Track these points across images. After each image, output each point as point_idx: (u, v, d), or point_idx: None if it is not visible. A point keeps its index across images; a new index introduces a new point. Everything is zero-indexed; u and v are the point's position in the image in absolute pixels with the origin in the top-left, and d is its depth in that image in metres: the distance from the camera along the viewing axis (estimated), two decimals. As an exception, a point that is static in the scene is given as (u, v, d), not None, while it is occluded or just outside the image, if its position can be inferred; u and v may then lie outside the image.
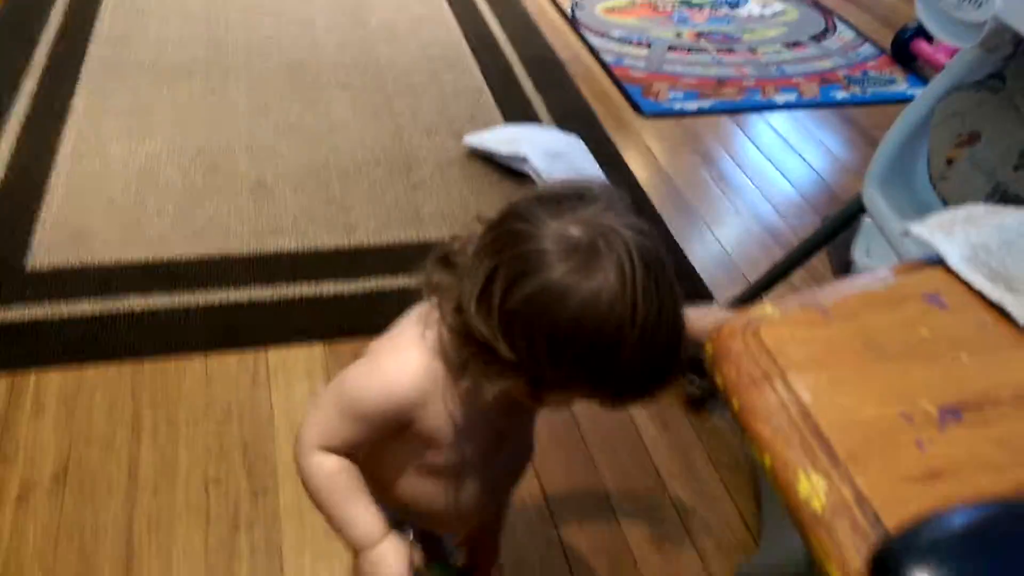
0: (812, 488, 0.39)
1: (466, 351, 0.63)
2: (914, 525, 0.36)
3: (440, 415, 0.69)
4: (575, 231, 0.57)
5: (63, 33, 2.38)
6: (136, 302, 1.55)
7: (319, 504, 0.71)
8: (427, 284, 0.68)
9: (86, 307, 1.53)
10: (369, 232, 1.79)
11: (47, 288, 1.56)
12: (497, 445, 0.77)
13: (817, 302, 0.49)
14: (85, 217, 1.74)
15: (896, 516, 0.37)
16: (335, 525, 0.71)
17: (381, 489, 0.76)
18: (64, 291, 1.55)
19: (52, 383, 1.42)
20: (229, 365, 1.48)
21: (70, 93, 2.12)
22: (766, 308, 0.48)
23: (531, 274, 0.57)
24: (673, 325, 0.56)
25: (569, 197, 0.61)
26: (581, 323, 0.55)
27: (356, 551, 0.71)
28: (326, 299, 1.61)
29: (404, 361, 0.68)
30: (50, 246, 1.66)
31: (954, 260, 0.51)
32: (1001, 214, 0.54)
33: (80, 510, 1.24)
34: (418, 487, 0.77)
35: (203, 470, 1.31)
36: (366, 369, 0.70)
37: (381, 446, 0.72)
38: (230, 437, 1.36)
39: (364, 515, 0.70)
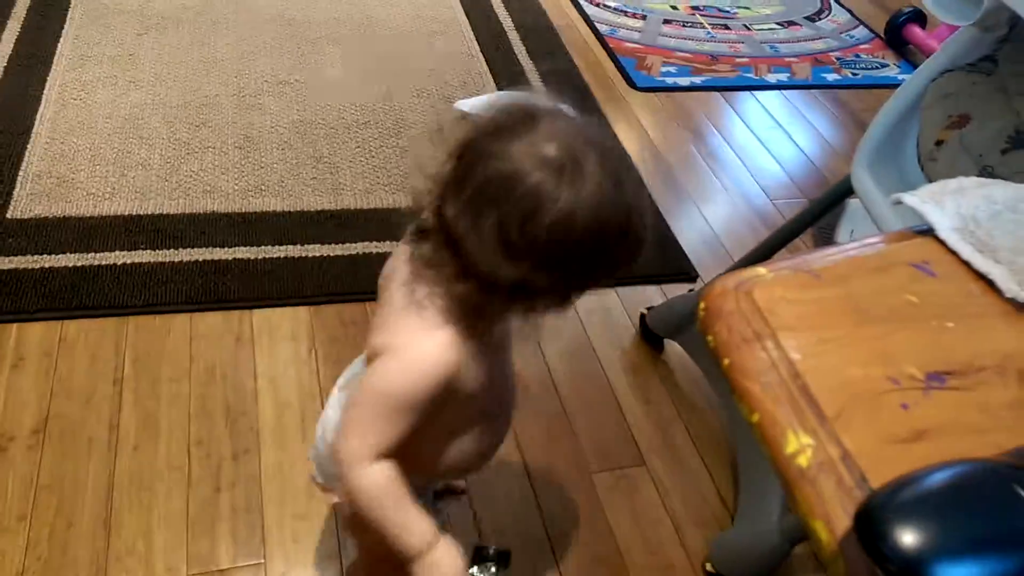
0: (799, 445, 0.40)
1: (485, 302, 0.65)
2: (897, 482, 0.37)
3: (472, 373, 0.71)
4: (550, 151, 0.60)
5: (47, -22, 2.32)
6: (120, 256, 1.53)
7: (375, 517, 0.72)
8: (423, 260, 0.69)
9: (69, 259, 1.51)
10: (356, 195, 1.78)
11: (28, 238, 1.54)
12: (504, 380, 0.82)
13: (809, 266, 0.49)
14: (69, 167, 1.71)
15: (881, 475, 0.38)
16: (390, 534, 0.71)
17: (419, 464, 0.77)
18: (46, 242, 1.53)
19: (33, 335, 1.40)
20: (214, 324, 1.48)
21: (55, 38, 2.08)
22: (759, 269, 0.49)
23: (539, 209, 0.60)
24: (648, 200, 0.65)
25: (521, 120, 0.63)
26: (598, 228, 0.60)
27: (410, 557, 0.72)
28: (312, 261, 1.60)
29: (428, 343, 0.69)
30: (32, 195, 1.63)
31: (944, 230, 0.52)
32: (990, 187, 0.55)
33: (59, 464, 1.23)
34: (458, 445, 0.80)
35: (185, 430, 1.30)
36: (397, 367, 0.71)
37: (426, 423, 0.72)
38: (213, 398, 1.36)
39: (417, 520, 0.71)
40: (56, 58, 2.01)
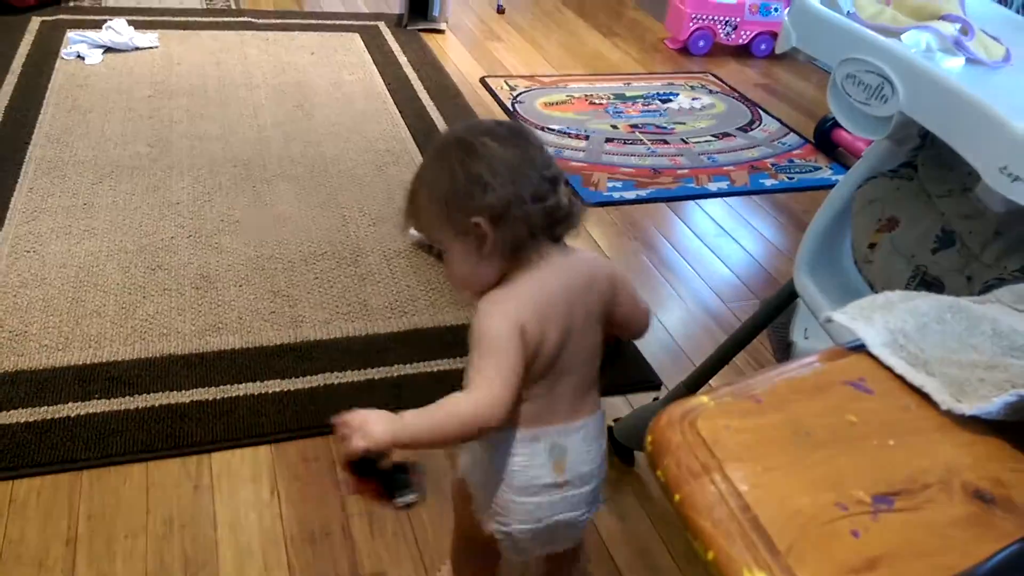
0: (755, 582, 0.40)
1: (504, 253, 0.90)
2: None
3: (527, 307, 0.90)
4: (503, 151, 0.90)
5: (3, 134, 2.36)
6: (73, 408, 1.50)
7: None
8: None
9: (20, 414, 1.47)
10: (316, 326, 1.78)
11: (-24, 395, 1.50)
12: None
13: (750, 391, 0.50)
14: (21, 320, 1.69)
15: (837, 607, 0.38)
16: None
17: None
18: (-5, 398, 1.49)
19: (-21, 496, 1.34)
20: (170, 471, 1.43)
21: (9, 194, 2.10)
22: (702, 399, 0.50)
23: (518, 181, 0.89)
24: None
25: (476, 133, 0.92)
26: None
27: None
28: (272, 397, 1.58)
29: (493, 297, 0.90)
30: (-19, 351, 1.60)
31: (875, 346, 0.54)
32: (916, 299, 0.57)
33: (6, 634, 1.16)
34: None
35: (141, 586, 1.24)
36: (483, 319, 0.88)
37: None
38: (171, 551, 1.30)
39: None
40: (9, 212, 2.03)
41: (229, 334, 1.73)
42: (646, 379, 1.77)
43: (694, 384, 1.58)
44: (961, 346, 0.53)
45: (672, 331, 1.95)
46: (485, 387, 0.85)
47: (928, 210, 1.10)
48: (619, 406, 1.70)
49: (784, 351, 1.93)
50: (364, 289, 1.92)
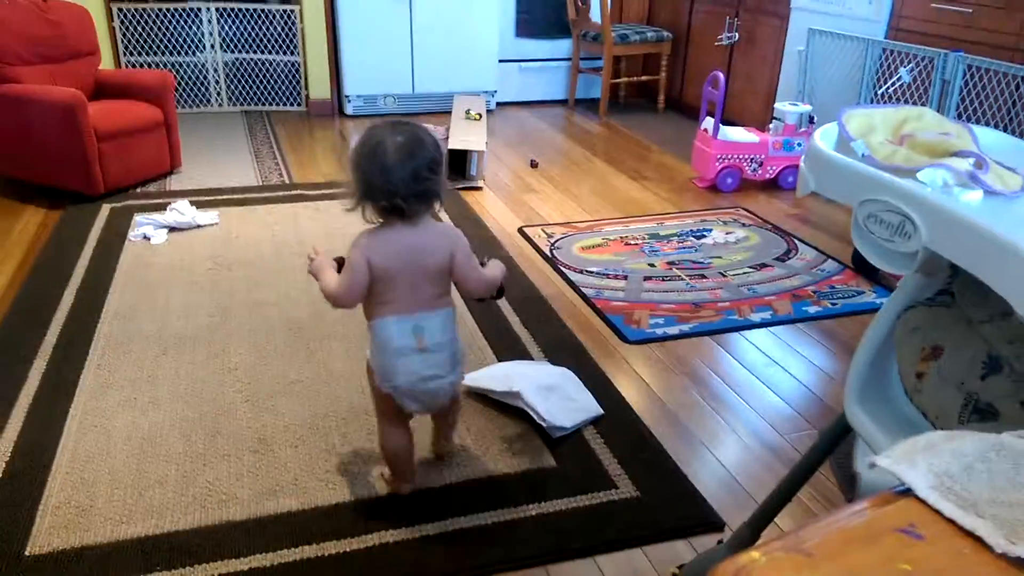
0: None
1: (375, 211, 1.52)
2: None
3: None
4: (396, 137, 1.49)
5: (74, 313, 2.52)
6: (134, 580, 1.51)
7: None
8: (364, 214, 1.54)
9: (82, 590, 1.49)
10: (370, 483, 1.79)
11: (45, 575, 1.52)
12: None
13: (800, 545, 0.51)
14: (87, 494, 1.74)
15: None
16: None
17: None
18: None
19: None
20: (228, 642, 1.42)
21: (78, 370, 2.21)
22: (753, 554, 0.50)
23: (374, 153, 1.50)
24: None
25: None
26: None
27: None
28: (328, 560, 1.58)
29: (359, 239, 1.54)
30: (51, 528, 1.64)
31: (922, 490, 0.54)
32: (958, 439, 0.58)
33: None
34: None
35: None
36: (351, 248, 1.53)
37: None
38: None
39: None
40: (79, 389, 2.13)
41: (286, 496, 1.75)
42: (708, 520, 1.72)
43: (757, 525, 1.53)
44: (1010, 485, 0.53)
45: (730, 467, 1.92)
46: (336, 283, 1.57)
47: (971, 336, 1.10)
48: (682, 551, 1.65)
49: (850, 483, 1.87)
50: (416, 442, 1.93)
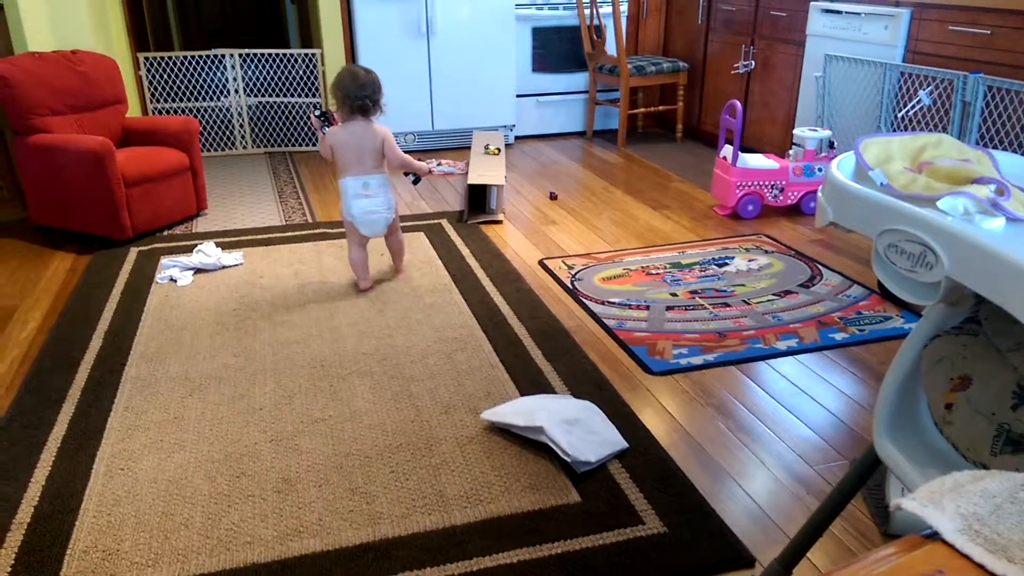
0: None
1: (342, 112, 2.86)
2: None
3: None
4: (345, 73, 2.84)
5: (102, 356, 2.56)
6: (159, 625, 1.51)
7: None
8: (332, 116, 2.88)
9: (108, 636, 1.49)
10: (394, 521, 1.79)
11: (70, 619, 1.53)
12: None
13: (826, 593, 0.49)
14: (114, 538, 1.75)
15: None
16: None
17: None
18: (87, 621, 1.52)
19: None
20: None
21: (106, 413, 2.24)
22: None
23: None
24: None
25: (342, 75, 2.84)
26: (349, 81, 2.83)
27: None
28: (353, 602, 1.56)
29: (333, 128, 2.88)
30: (78, 573, 1.65)
31: (949, 533, 0.52)
32: (986, 480, 0.56)
33: None
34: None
35: None
36: (327, 134, 2.88)
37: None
38: None
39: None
40: (106, 432, 2.15)
41: (310, 537, 1.74)
42: (738, 556, 1.69)
43: (789, 561, 1.50)
44: (1041, 527, 0.52)
45: (759, 500, 1.88)
46: (320, 145, 2.90)
47: (1000, 366, 1.08)
48: (711, 589, 1.62)
49: (882, 515, 1.83)
50: (439, 479, 1.93)
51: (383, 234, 2.99)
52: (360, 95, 2.76)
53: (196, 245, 3.37)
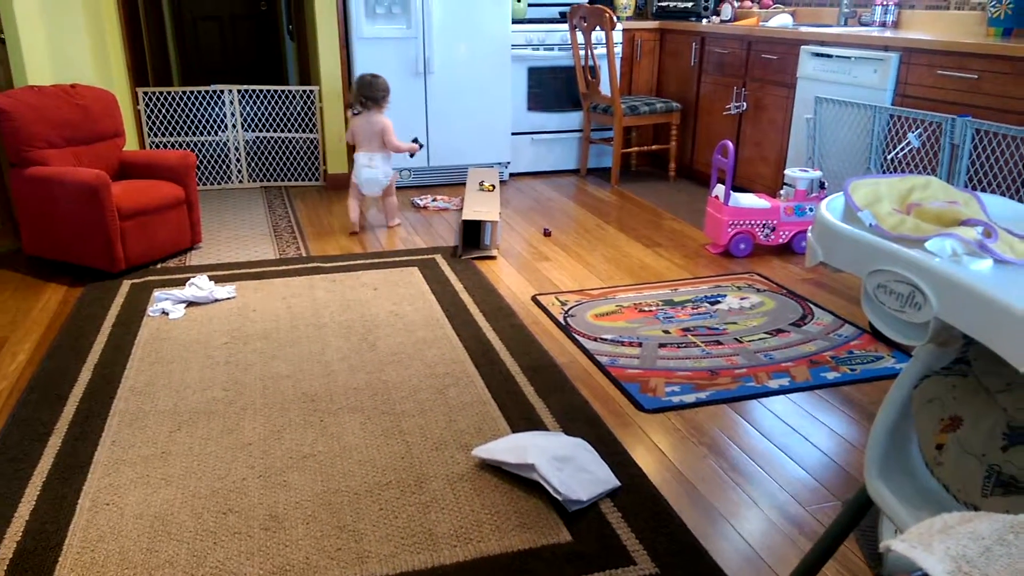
0: None
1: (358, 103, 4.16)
2: None
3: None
4: (367, 78, 4.18)
5: (91, 389, 2.54)
6: (140, 666, 1.47)
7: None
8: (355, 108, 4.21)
9: (87, 677, 1.45)
10: (382, 560, 1.76)
11: (49, 659, 1.49)
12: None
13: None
14: (97, 575, 1.72)
15: None
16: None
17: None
18: (66, 661, 1.49)
19: None
20: None
21: (93, 446, 2.21)
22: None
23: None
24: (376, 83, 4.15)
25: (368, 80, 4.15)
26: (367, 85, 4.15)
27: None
28: (339, 643, 1.53)
29: (352, 117, 4.16)
30: (57, 611, 1.62)
31: (939, 575, 0.52)
32: (974, 521, 0.56)
33: None
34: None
35: None
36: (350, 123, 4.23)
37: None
38: None
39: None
40: (92, 466, 2.13)
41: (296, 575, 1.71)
42: (729, 599, 1.67)
43: (780, 603, 1.48)
44: (1030, 570, 0.51)
45: (752, 542, 1.86)
46: (347, 135, 4.33)
47: (989, 406, 1.08)
48: (703, 632, 1.59)
49: (875, 557, 1.81)
50: (428, 517, 1.90)
51: (379, 195, 4.20)
52: (372, 94, 4.05)
53: (189, 278, 3.37)
